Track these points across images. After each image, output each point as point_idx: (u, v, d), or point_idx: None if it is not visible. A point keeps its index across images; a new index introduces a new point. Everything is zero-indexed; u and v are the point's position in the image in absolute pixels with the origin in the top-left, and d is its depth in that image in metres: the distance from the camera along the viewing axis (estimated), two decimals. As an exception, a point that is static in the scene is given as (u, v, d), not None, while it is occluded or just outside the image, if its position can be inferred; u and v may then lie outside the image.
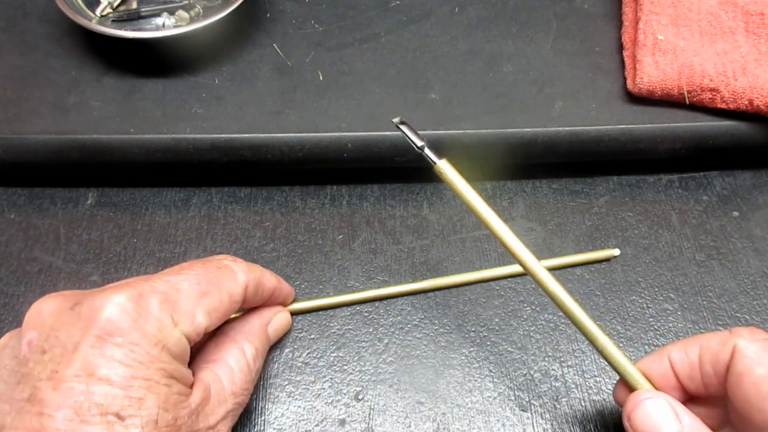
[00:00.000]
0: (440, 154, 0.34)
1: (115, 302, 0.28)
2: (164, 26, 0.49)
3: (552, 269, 0.43)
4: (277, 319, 0.38)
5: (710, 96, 0.44)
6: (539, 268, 0.33)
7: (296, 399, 0.38)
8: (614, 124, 0.45)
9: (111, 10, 0.50)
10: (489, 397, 0.39)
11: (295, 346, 0.40)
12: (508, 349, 0.40)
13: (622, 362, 0.32)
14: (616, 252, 0.44)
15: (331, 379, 0.39)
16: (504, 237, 0.33)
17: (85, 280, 0.42)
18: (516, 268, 0.43)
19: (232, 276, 0.33)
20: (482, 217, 0.33)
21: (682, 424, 0.29)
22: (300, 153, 0.44)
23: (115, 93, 0.46)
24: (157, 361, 0.27)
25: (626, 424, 0.31)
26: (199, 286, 0.31)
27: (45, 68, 0.47)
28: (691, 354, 0.31)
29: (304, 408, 0.38)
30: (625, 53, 0.48)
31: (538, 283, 0.33)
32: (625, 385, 0.33)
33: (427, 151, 0.34)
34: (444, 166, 0.34)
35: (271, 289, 0.37)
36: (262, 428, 0.37)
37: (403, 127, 0.34)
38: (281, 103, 0.46)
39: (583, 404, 0.38)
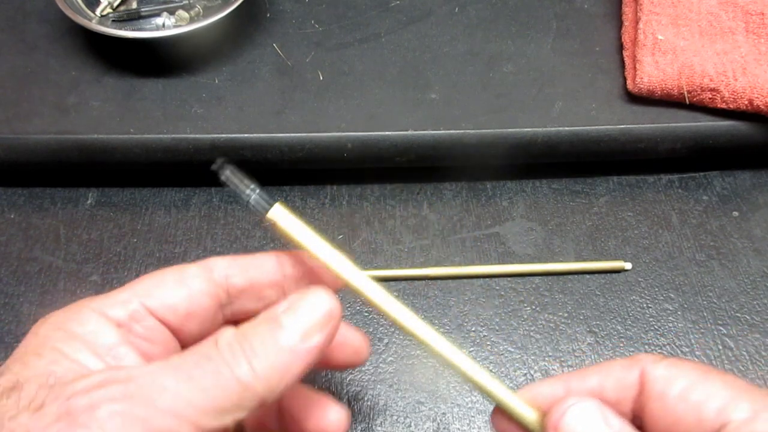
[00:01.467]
0: (272, 201, 0.28)
1: None
2: (164, 26, 0.49)
3: (559, 274, 0.43)
4: None
5: (710, 96, 0.44)
6: (394, 306, 0.28)
7: (296, 399, 0.38)
8: (614, 124, 0.45)
9: (111, 10, 0.49)
10: (489, 397, 0.39)
11: (295, 346, 0.40)
12: (509, 348, 0.40)
13: (504, 395, 0.28)
14: (628, 266, 0.43)
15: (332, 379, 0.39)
16: (356, 282, 0.28)
17: (85, 280, 0.42)
18: (514, 268, 0.43)
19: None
20: (329, 266, 0.28)
21: (613, 428, 0.27)
22: (300, 153, 0.44)
23: (115, 93, 0.46)
24: None
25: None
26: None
27: (45, 68, 0.47)
28: (589, 382, 0.28)
29: (304, 408, 0.38)
30: (625, 53, 0.48)
31: (395, 323, 0.29)
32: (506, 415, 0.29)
33: (255, 197, 0.28)
34: (278, 214, 0.28)
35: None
36: (262, 428, 0.37)
37: (229, 174, 0.29)
38: (281, 103, 0.46)
39: (583, 404, 0.38)
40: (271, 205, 0.28)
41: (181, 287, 0.28)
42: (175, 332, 0.28)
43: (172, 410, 0.23)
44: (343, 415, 0.30)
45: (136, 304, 0.27)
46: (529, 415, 0.28)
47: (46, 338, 0.25)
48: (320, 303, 0.26)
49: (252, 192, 0.28)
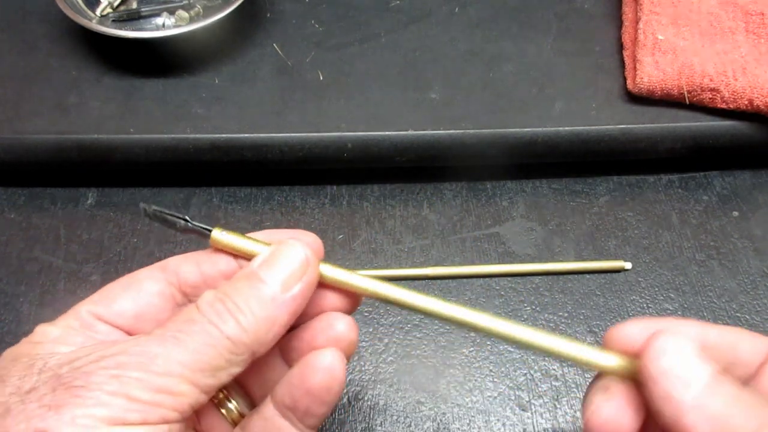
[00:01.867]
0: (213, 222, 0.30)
1: None
2: (164, 26, 0.49)
3: (559, 274, 0.43)
4: None
5: (710, 96, 0.44)
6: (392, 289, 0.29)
7: (296, 399, 0.38)
8: (614, 124, 0.45)
9: (111, 10, 0.50)
10: (489, 396, 0.39)
11: (295, 346, 0.40)
12: (509, 348, 0.40)
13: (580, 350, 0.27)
14: (628, 266, 0.43)
15: (331, 379, 0.39)
16: (333, 275, 0.29)
17: (85, 280, 0.42)
18: (514, 268, 0.43)
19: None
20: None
21: (711, 367, 0.24)
22: (300, 153, 0.44)
23: (115, 93, 0.46)
24: None
25: (648, 368, 0.24)
26: None
27: (45, 68, 0.47)
28: (726, 337, 0.26)
29: (304, 408, 0.38)
30: (625, 53, 0.48)
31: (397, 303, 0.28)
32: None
33: (193, 223, 0.29)
34: (220, 235, 0.29)
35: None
36: (262, 428, 0.37)
37: (156, 211, 0.30)
38: (281, 103, 0.46)
39: (583, 404, 0.38)
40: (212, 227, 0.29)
41: (128, 291, 0.28)
42: (131, 335, 0.28)
43: (167, 372, 0.23)
44: (351, 320, 0.29)
45: (84, 313, 0.27)
46: (612, 362, 0.27)
47: (16, 354, 0.25)
48: (296, 253, 0.27)
49: (187, 218, 0.30)
